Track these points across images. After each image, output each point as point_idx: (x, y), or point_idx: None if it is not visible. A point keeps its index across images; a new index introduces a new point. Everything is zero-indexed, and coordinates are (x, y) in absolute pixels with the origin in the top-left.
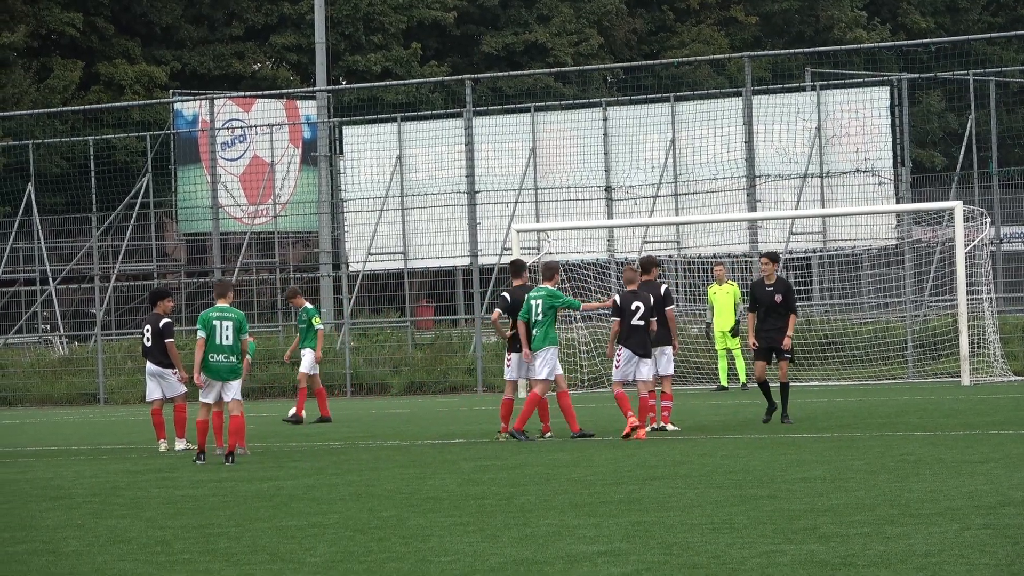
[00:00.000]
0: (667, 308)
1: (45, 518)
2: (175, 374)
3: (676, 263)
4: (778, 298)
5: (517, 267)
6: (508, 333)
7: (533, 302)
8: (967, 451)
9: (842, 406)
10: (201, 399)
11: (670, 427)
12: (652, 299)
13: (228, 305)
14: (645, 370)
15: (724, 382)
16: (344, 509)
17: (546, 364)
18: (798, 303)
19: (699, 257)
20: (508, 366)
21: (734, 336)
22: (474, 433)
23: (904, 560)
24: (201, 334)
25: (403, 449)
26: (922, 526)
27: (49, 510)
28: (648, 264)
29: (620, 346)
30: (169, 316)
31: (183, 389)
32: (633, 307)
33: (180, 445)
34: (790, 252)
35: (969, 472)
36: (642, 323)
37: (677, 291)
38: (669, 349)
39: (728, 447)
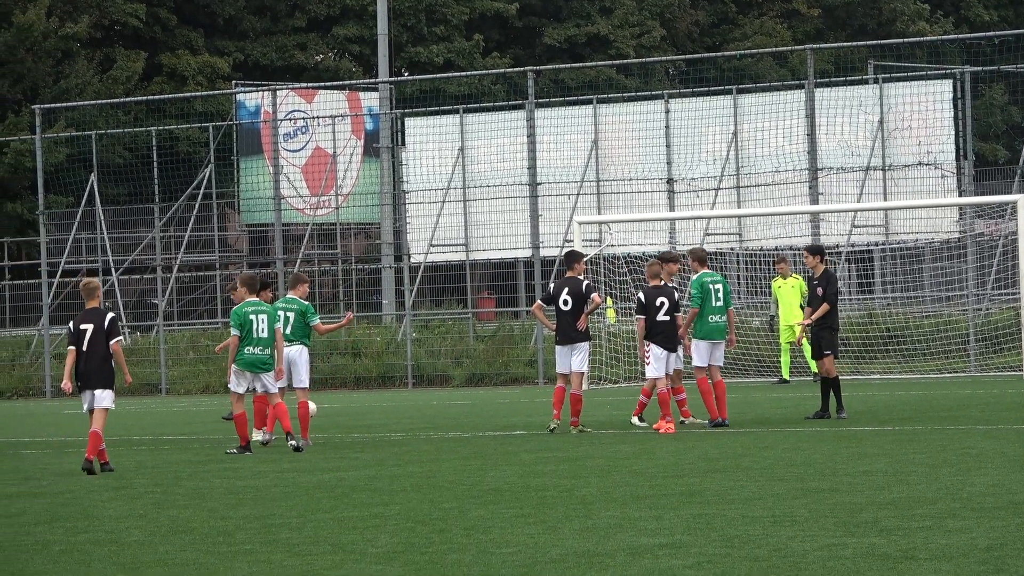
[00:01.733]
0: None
1: (107, 508)
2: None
3: (738, 255)
4: (819, 291)
5: (569, 258)
6: (552, 325)
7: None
8: None
9: (903, 400)
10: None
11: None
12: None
13: (294, 296)
14: (672, 364)
15: (786, 375)
16: (405, 500)
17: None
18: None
19: (760, 250)
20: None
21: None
22: (535, 425)
23: (966, 554)
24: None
25: (464, 440)
26: (984, 520)
27: (111, 500)
28: (666, 258)
29: (649, 343)
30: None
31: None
32: (658, 303)
33: (258, 436)
34: (852, 245)
35: None
36: (668, 318)
37: (738, 283)
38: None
39: (790, 440)
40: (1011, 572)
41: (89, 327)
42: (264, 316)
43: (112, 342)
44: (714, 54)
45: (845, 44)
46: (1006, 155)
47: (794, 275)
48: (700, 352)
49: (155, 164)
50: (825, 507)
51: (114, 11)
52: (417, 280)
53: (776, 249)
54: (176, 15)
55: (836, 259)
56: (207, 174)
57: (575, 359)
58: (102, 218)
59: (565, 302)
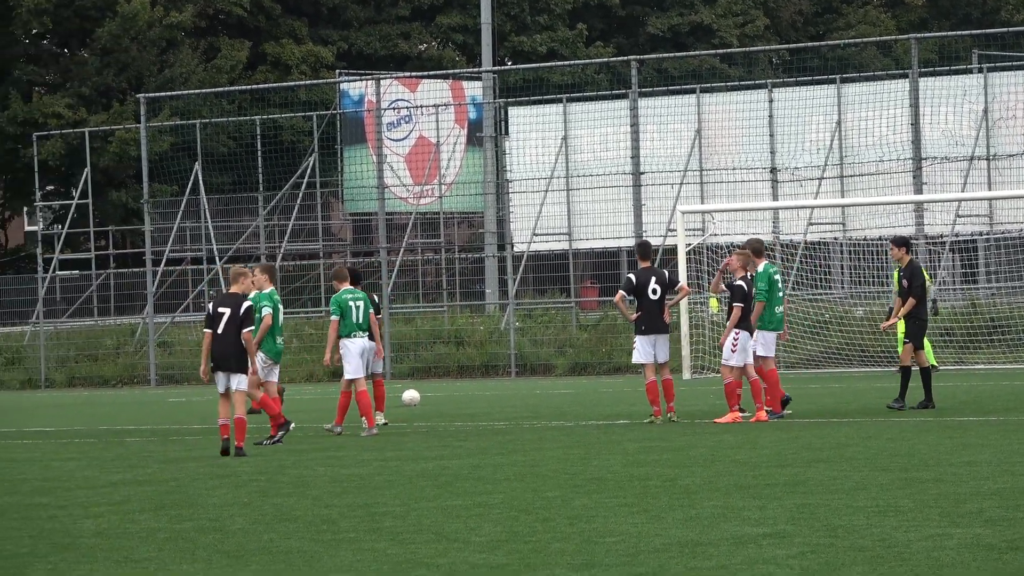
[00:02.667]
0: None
1: (212, 496)
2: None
3: (841, 245)
4: (905, 283)
5: (644, 249)
6: (633, 316)
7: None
8: None
9: (1008, 390)
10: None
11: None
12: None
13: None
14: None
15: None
16: (509, 489)
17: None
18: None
19: (864, 239)
20: (636, 349)
21: (933, 314)
22: (639, 414)
23: None
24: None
25: (567, 430)
26: None
27: (216, 488)
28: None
29: (737, 330)
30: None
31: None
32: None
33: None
34: (956, 235)
35: None
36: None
37: (842, 273)
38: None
39: (893, 430)
40: None
41: (226, 311)
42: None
43: (244, 331)
44: (818, 43)
45: (949, 33)
46: None
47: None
48: (768, 343)
49: (259, 153)
50: (929, 497)
51: (219, 0)
52: (520, 269)
53: (880, 239)
54: (280, 4)
55: (940, 249)
56: (311, 163)
57: (661, 350)
58: (206, 207)
59: (654, 291)
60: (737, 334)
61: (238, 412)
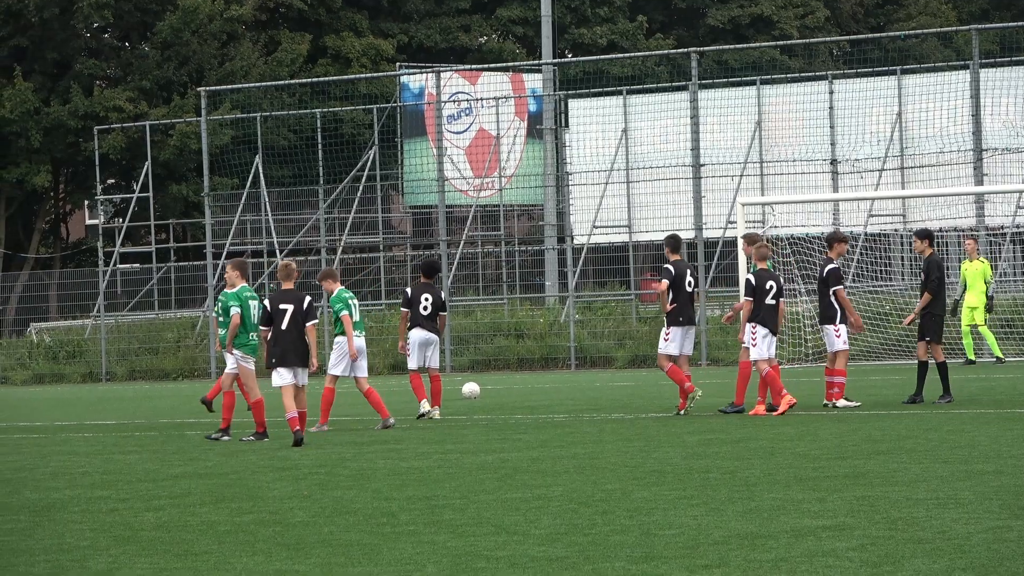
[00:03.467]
0: (835, 287)
1: (272, 489)
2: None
3: (902, 237)
4: (922, 276)
5: (676, 242)
6: (669, 306)
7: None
8: None
9: None
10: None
11: (843, 403)
12: (819, 277)
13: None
14: (773, 347)
15: (971, 356)
16: (568, 481)
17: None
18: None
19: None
20: (667, 340)
21: (988, 312)
22: (698, 407)
23: None
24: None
25: (627, 422)
26: None
27: (276, 481)
28: (831, 239)
29: (755, 324)
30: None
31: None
32: (767, 286)
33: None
34: (1017, 226)
35: None
36: (774, 301)
37: (902, 264)
38: (831, 326)
39: (954, 422)
40: None
41: (289, 307)
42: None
43: (308, 324)
44: (878, 34)
45: (1011, 24)
46: None
47: (980, 258)
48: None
49: (319, 146)
50: (990, 489)
51: None
52: (580, 262)
53: (940, 231)
54: None
55: (1001, 241)
56: (371, 156)
57: (689, 342)
58: (266, 200)
59: (690, 283)
60: (754, 328)
61: (302, 406)
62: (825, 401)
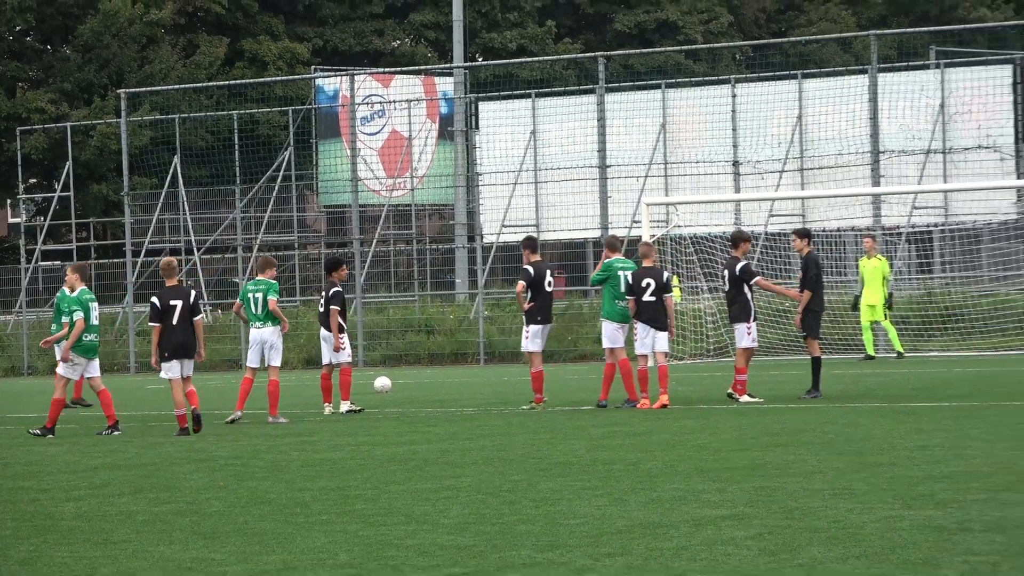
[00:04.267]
0: (749, 282)
1: (189, 480)
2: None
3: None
4: (800, 274)
5: (531, 243)
6: (527, 305)
7: (623, 272)
8: None
9: (961, 376)
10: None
11: (746, 399)
12: (728, 276)
13: (262, 278)
14: (662, 342)
15: (871, 351)
16: (477, 473)
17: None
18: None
19: (823, 231)
20: (527, 338)
21: (888, 308)
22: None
23: (1019, 526)
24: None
25: (534, 415)
26: None
27: (192, 472)
28: (736, 239)
29: (635, 321)
30: (341, 284)
31: (347, 356)
32: (644, 283)
33: (345, 407)
34: (912, 226)
35: None
36: (653, 299)
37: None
38: (743, 324)
39: (849, 415)
40: None
41: (179, 303)
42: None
43: (196, 318)
44: (780, 40)
45: (908, 30)
46: None
47: (878, 256)
48: (610, 334)
49: (236, 147)
50: (883, 480)
51: None
52: (489, 260)
53: (838, 231)
54: (258, 2)
55: (897, 240)
56: (286, 157)
57: (541, 340)
58: (184, 199)
59: (549, 283)
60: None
61: (189, 387)
62: (729, 391)
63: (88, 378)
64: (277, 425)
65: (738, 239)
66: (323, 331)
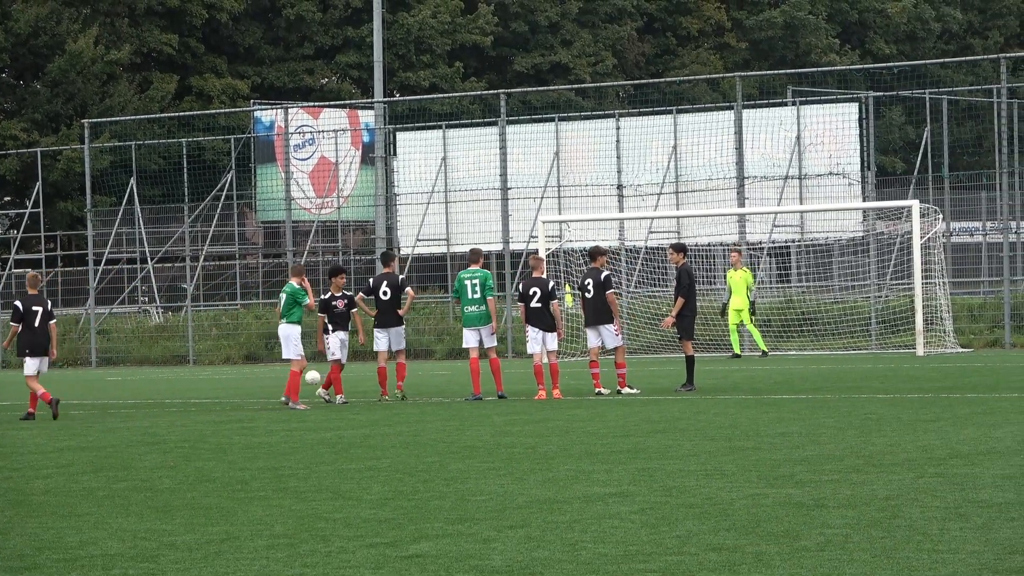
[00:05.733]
0: (607, 292)
1: (143, 460)
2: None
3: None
4: (675, 282)
5: (384, 257)
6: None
7: (469, 281)
8: (921, 411)
9: (815, 372)
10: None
11: (627, 390)
12: (594, 284)
13: (291, 283)
14: (552, 342)
15: (737, 350)
16: (395, 455)
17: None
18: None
19: (695, 245)
20: (378, 339)
21: (752, 313)
22: (508, 392)
23: (868, 503)
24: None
25: (445, 405)
26: (883, 474)
27: (146, 454)
28: (595, 253)
29: (526, 324)
30: (344, 291)
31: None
32: (531, 292)
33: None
34: (772, 242)
35: (923, 429)
36: (540, 305)
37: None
38: (611, 326)
39: (720, 406)
40: (905, 518)
41: (40, 308)
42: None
43: (51, 322)
44: (657, 80)
45: (768, 72)
46: (903, 166)
47: (743, 268)
48: (465, 335)
49: (185, 170)
50: (749, 463)
51: (151, 40)
52: (406, 269)
53: (708, 245)
54: (204, 44)
55: (759, 254)
56: (229, 179)
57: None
58: (140, 215)
59: (385, 292)
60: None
61: (38, 385)
62: (597, 389)
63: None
64: (247, 409)
65: (596, 253)
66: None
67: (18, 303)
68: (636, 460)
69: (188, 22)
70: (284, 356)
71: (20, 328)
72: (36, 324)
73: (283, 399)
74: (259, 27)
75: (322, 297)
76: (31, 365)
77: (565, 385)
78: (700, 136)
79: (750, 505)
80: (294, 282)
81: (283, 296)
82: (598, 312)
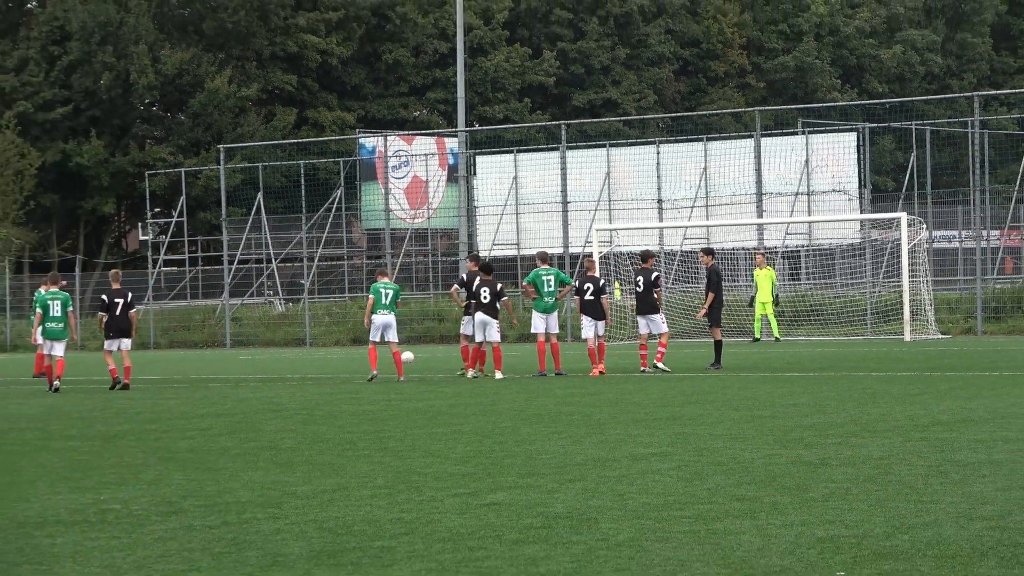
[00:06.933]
0: (656, 289)
1: (269, 424)
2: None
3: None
4: (706, 280)
5: (477, 261)
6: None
7: (545, 276)
8: (908, 387)
9: (821, 354)
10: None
11: (661, 366)
12: (644, 281)
13: (386, 281)
14: (600, 328)
15: (757, 335)
16: (475, 421)
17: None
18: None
19: (722, 249)
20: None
21: (775, 304)
22: (567, 370)
23: (864, 462)
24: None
25: (515, 380)
26: (876, 439)
27: (271, 419)
28: (645, 255)
29: (581, 314)
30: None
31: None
32: (586, 287)
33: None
34: (786, 247)
35: (910, 401)
36: (593, 298)
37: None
38: (658, 316)
39: (743, 382)
40: (895, 474)
41: (120, 300)
42: (58, 301)
43: (131, 311)
44: (690, 113)
45: (781, 107)
46: (893, 185)
47: (767, 267)
48: (535, 321)
49: (303, 186)
50: (766, 428)
51: (275, 80)
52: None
53: (732, 249)
54: (318, 83)
55: (774, 257)
56: (339, 194)
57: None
58: (266, 224)
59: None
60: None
61: (127, 362)
62: (642, 368)
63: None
64: (360, 383)
65: (647, 256)
66: (487, 317)
67: (103, 295)
68: (673, 426)
69: (305, 65)
70: (392, 339)
71: (106, 316)
72: (118, 312)
73: (370, 375)
74: (363, 69)
75: (462, 276)
76: (111, 344)
77: (615, 364)
78: (726, 160)
79: (767, 463)
80: (386, 279)
81: (391, 292)
82: (647, 304)
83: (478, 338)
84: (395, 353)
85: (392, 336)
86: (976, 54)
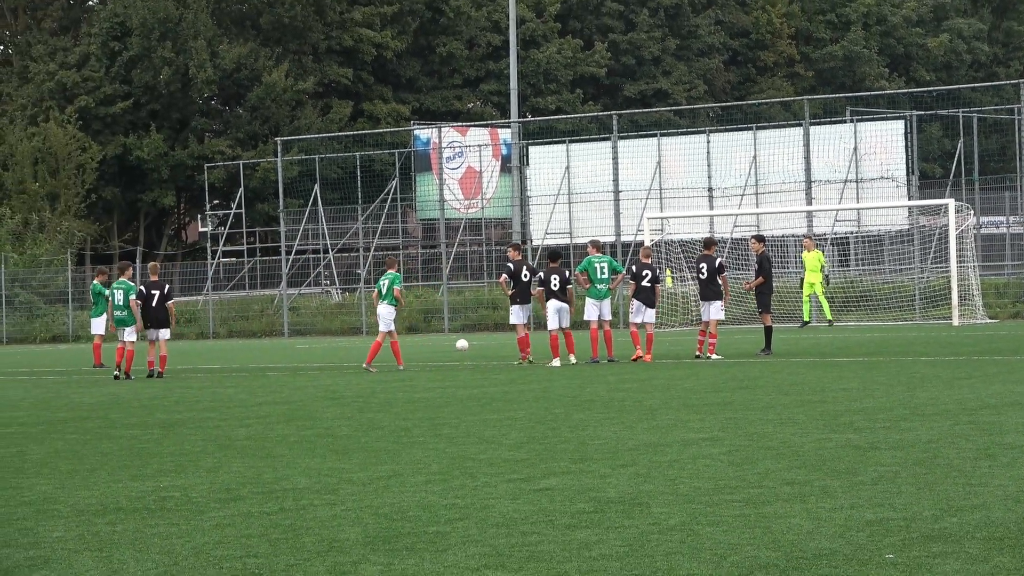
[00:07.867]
0: (721, 275)
1: (325, 412)
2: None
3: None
4: (756, 266)
5: (518, 249)
6: (509, 292)
7: (598, 264)
8: (957, 371)
9: (870, 339)
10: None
11: (714, 357)
12: (708, 268)
13: (390, 272)
14: (650, 315)
15: (807, 318)
16: (528, 407)
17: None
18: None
19: (772, 237)
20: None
21: (826, 284)
22: (621, 357)
23: (913, 445)
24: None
25: (569, 367)
26: (925, 422)
27: (328, 407)
28: (708, 243)
29: (632, 299)
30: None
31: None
32: (643, 273)
33: (572, 359)
34: (835, 233)
35: (958, 385)
36: (648, 284)
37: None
38: (719, 302)
39: (793, 367)
40: (944, 457)
41: (157, 292)
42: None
43: (168, 302)
44: (740, 102)
45: (830, 95)
46: (941, 172)
47: (815, 250)
48: (588, 308)
49: (358, 178)
50: (816, 413)
51: (331, 73)
52: (537, 256)
53: (782, 236)
54: (373, 76)
55: (823, 244)
56: (394, 185)
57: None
58: (322, 214)
59: (525, 275)
60: (633, 303)
61: (163, 351)
62: (697, 353)
63: (124, 340)
64: (409, 371)
65: (709, 243)
66: (561, 304)
67: (141, 287)
68: (724, 411)
69: (360, 58)
70: (384, 329)
71: (142, 306)
72: (154, 304)
73: (365, 366)
74: (418, 62)
75: (540, 275)
76: (150, 334)
77: (667, 351)
78: (775, 148)
79: (817, 447)
80: (394, 271)
81: (387, 282)
82: (710, 291)
83: (551, 325)
84: (392, 344)
85: (384, 327)
86: (1023, 42)
